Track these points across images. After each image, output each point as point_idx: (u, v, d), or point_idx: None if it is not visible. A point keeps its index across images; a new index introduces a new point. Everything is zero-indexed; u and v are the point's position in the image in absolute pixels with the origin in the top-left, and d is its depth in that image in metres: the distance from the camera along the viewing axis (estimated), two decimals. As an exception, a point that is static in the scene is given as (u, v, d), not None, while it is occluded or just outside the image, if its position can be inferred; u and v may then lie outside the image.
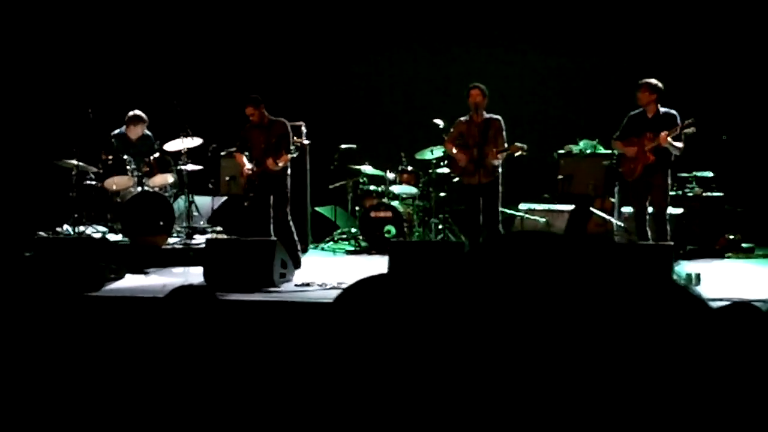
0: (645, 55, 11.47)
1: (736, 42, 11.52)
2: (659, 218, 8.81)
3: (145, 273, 9.03)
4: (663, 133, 8.53)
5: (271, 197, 9.30)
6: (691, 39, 11.58)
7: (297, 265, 8.99)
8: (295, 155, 9.40)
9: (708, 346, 2.35)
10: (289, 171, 9.39)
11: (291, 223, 9.33)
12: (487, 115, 9.17)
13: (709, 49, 11.54)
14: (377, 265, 9.01)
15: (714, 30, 11.54)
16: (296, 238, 9.35)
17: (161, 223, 9.71)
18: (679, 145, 8.59)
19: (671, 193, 9.94)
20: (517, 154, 9.03)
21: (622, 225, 9.79)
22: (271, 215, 9.30)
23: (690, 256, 9.80)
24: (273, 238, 8.40)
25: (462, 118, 9.32)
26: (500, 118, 9.18)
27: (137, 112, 10.40)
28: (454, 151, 9.28)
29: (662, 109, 8.73)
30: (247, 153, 9.42)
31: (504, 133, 9.13)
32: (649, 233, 8.78)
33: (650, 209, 8.92)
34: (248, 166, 9.35)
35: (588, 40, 12.03)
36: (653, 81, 8.74)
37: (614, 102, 11.10)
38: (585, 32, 12.03)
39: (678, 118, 8.63)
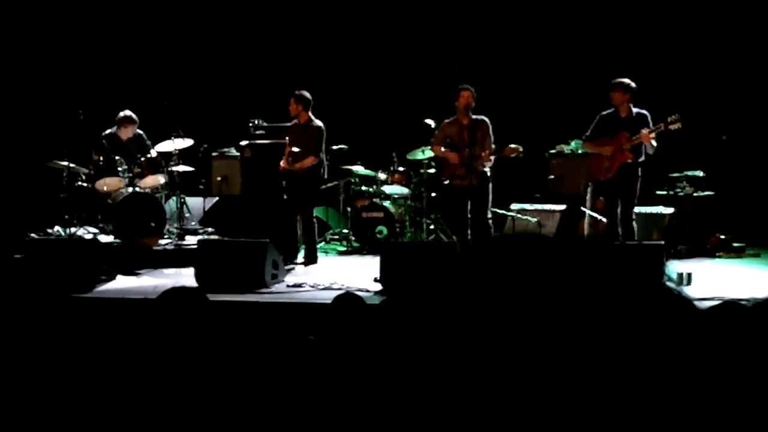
0: (638, 55, 11.49)
1: (728, 42, 11.54)
2: (626, 219, 8.79)
3: (137, 274, 9.01)
4: (644, 131, 8.51)
5: (297, 196, 9.59)
6: (683, 40, 11.59)
7: (314, 260, 9.67)
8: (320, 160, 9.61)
9: (695, 345, 2.36)
10: (324, 174, 9.74)
11: (314, 222, 9.71)
12: (474, 117, 9.14)
13: (699, 49, 11.55)
14: (369, 265, 9.00)
15: (704, 30, 11.55)
16: (316, 237, 9.90)
17: (153, 224, 9.69)
18: (654, 144, 8.61)
19: (661, 192, 9.96)
20: (512, 156, 9.02)
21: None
22: (288, 213, 9.67)
23: (681, 256, 9.81)
24: (266, 240, 8.39)
25: (447, 121, 9.29)
26: (486, 119, 9.15)
27: (128, 112, 10.37)
28: (442, 149, 9.26)
29: (635, 110, 8.74)
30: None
31: (491, 133, 9.12)
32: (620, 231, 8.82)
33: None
34: (281, 163, 9.62)
35: (580, 40, 12.03)
36: (627, 81, 8.75)
37: (606, 102, 11.12)
38: (576, 32, 12.03)
39: (649, 118, 8.65)
